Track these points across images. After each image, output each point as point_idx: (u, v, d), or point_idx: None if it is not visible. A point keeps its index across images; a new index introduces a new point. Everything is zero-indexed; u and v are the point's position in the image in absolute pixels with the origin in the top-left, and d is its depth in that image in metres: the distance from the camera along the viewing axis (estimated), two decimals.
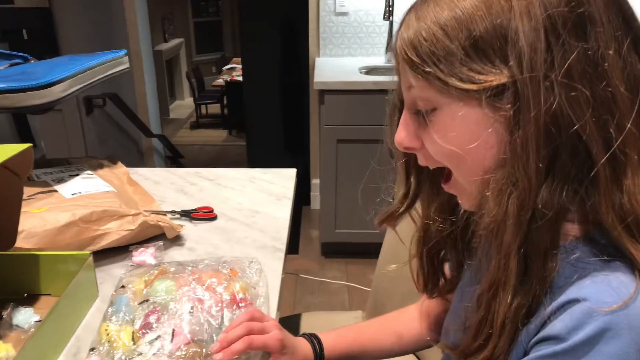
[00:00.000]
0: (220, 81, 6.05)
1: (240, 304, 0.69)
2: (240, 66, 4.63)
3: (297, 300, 2.23)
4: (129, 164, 1.25)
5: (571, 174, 0.45)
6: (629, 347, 0.42)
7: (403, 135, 0.54)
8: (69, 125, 2.23)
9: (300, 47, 2.73)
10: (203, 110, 6.25)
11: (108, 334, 0.66)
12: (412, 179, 0.63)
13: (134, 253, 0.88)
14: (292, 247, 2.61)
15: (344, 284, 2.34)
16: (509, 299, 0.47)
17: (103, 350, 0.64)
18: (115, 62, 1.16)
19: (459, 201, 0.57)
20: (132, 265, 0.84)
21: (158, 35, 6.22)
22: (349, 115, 2.17)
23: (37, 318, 0.71)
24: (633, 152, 0.44)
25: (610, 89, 0.44)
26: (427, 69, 0.48)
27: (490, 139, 0.47)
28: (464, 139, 0.49)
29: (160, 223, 0.93)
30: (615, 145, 0.44)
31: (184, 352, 0.63)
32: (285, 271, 0.91)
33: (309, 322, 1.18)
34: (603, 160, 0.44)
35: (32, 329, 0.68)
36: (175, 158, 3.54)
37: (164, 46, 6.37)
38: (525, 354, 0.48)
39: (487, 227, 0.48)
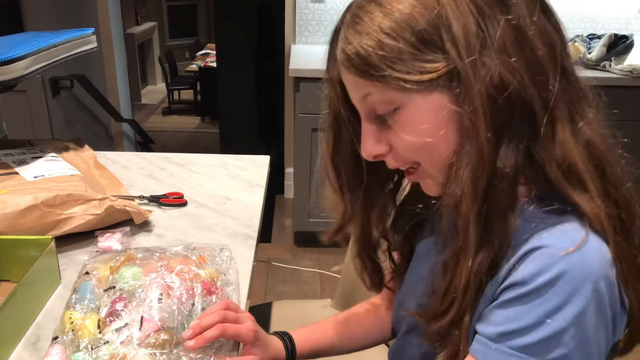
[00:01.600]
0: (193, 67, 5.94)
1: (210, 291, 0.68)
2: (215, 52, 4.55)
3: (268, 289, 2.22)
4: (98, 148, 1.21)
5: (522, 135, 0.50)
6: (584, 285, 0.47)
7: (369, 144, 0.57)
8: (33, 107, 2.14)
9: (276, 34, 2.69)
10: (176, 96, 6.13)
11: (72, 322, 0.63)
12: (348, 200, 0.67)
13: (99, 238, 0.85)
14: (265, 235, 2.59)
15: (316, 271, 2.34)
16: (472, 260, 0.51)
17: (67, 339, 0.62)
18: (82, 40, 1.11)
19: (424, 189, 0.60)
20: (97, 251, 0.81)
21: (130, 17, 6.05)
22: None
23: None
24: (562, 105, 0.50)
25: (538, 52, 0.49)
26: (384, 73, 0.50)
27: (451, 122, 0.51)
28: (432, 128, 0.52)
29: (127, 208, 0.90)
30: (552, 102, 0.49)
31: (153, 340, 0.61)
32: (258, 259, 0.89)
33: (280, 311, 1.17)
34: (545, 117, 0.49)
35: None
36: (145, 144, 3.47)
37: (136, 29, 6.21)
38: (493, 299, 0.52)
39: (449, 200, 0.52)
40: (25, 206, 0.82)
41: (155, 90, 6.73)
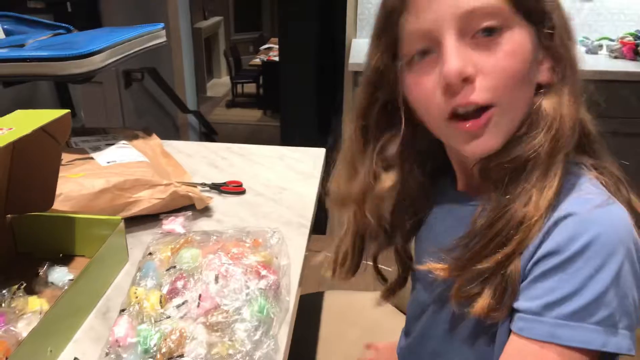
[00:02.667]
0: (257, 61, 6.07)
1: (262, 273, 0.71)
2: (277, 46, 4.63)
3: (322, 279, 2.25)
4: (165, 138, 1.28)
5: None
6: (617, 245, 0.49)
7: (459, 63, 0.52)
8: (108, 98, 2.29)
9: (337, 28, 2.70)
10: (239, 90, 6.30)
11: (137, 297, 0.69)
12: (368, 157, 0.67)
13: (163, 221, 0.91)
14: (321, 227, 2.62)
15: (370, 264, 2.35)
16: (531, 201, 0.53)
17: (133, 311, 0.67)
18: (153, 35, 1.18)
19: (484, 144, 0.56)
20: (160, 232, 0.87)
21: (198, 12, 6.27)
22: None
23: (70, 277, 0.75)
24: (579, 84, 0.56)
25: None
26: None
27: (540, 56, 0.56)
28: (528, 60, 0.54)
29: (190, 194, 0.95)
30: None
31: (210, 317, 0.65)
32: (312, 249, 0.92)
33: (330, 300, 1.19)
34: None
35: (66, 287, 0.71)
36: (209, 135, 3.59)
37: (203, 24, 6.42)
38: (524, 277, 0.53)
39: (535, 147, 0.54)
40: (99, 189, 0.88)
41: (220, 83, 6.94)
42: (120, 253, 0.81)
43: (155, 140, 1.23)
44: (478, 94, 0.53)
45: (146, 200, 0.92)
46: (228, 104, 6.12)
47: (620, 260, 0.49)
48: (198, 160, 1.23)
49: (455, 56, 0.52)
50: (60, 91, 1.24)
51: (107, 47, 1.01)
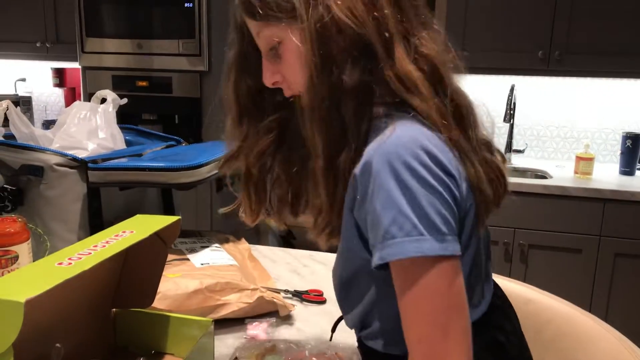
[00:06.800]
0: None
1: None
2: None
3: None
4: (247, 241, 1.36)
5: (360, 60, 0.62)
6: (396, 166, 0.57)
7: (266, 74, 0.70)
8: (200, 201, 2.46)
9: None
10: None
11: None
12: (245, 129, 0.76)
13: (248, 326, 0.94)
14: None
15: None
16: (322, 161, 0.65)
17: None
18: None
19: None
20: (245, 337, 0.90)
21: None
22: None
23: None
24: (395, 31, 0.63)
25: None
26: (262, 13, 0.65)
27: (299, 55, 0.65)
28: (299, 59, 0.65)
29: (275, 300, 0.99)
30: (386, 30, 0.62)
31: None
32: None
33: None
34: (380, 45, 0.62)
35: None
36: (288, 239, 3.69)
37: None
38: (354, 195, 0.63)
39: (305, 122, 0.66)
40: (193, 289, 0.95)
41: None
42: (207, 355, 0.84)
43: (244, 244, 1.30)
44: (290, 91, 0.72)
45: (234, 303, 0.97)
46: None
47: (403, 178, 0.57)
48: (282, 266, 1.28)
49: (265, 70, 0.71)
50: (165, 196, 1.38)
51: (212, 160, 1.13)
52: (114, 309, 0.87)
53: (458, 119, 0.64)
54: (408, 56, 0.63)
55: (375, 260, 0.60)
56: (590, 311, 0.92)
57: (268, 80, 0.71)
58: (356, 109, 0.63)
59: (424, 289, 0.58)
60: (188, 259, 1.11)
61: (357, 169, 0.61)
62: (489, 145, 0.69)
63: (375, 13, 0.62)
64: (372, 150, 0.59)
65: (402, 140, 0.58)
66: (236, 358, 0.80)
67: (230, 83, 0.75)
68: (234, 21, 0.73)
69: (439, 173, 0.58)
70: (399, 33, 0.63)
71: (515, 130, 2.62)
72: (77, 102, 1.26)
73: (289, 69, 0.68)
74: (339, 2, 0.61)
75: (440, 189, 0.58)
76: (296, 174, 0.78)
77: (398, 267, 0.59)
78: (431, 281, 0.58)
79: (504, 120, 2.50)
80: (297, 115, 0.69)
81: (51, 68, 3.05)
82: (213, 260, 1.11)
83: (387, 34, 0.62)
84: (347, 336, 0.95)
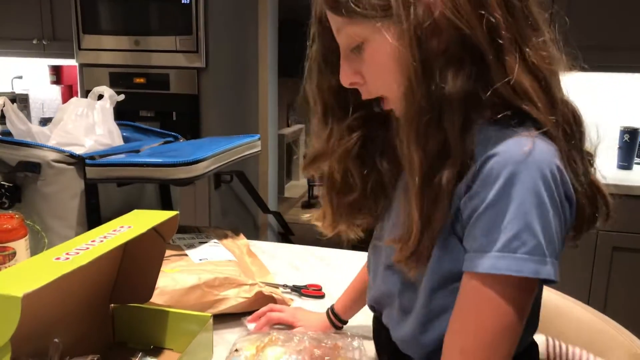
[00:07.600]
0: None
1: None
2: None
3: None
4: (246, 236, 1.36)
5: (467, 65, 0.56)
6: (536, 179, 0.53)
7: (345, 74, 0.64)
8: (198, 197, 2.47)
9: None
10: (315, 192, 6.52)
11: None
12: (330, 128, 0.71)
13: (247, 320, 0.94)
14: None
15: None
16: (420, 179, 0.57)
17: None
18: (250, 145, 1.30)
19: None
20: (246, 331, 0.90)
21: (282, 120, 6.74)
22: None
23: None
24: (507, 35, 0.56)
25: None
26: (349, 9, 0.58)
27: (395, 59, 0.57)
28: (389, 62, 0.58)
29: (273, 295, 0.99)
30: (496, 35, 0.55)
31: None
32: None
33: None
34: (491, 49, 0.55)
35: None
36: (286, 235, 3.69)
37: (286, 130, 6.87)
38: (458, 209, 0.58)
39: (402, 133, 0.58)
40: (191, 285, 0.95)
41: (298, 185, 7.22)
42: (206, 350, 0.84)
43: (242, 240, 1.30)
44: (369, 95, 0.65)
45: (233, 298, 0.97)
46: (304, 204, 6.31)
47: (540, 192, 0.53)
48: (281, 261, 1.28)
49: (342, 69, 0.65)
50: (163, 191, 1.38)
51: (210, 155, 1.13)
52: (112, 304, 0.87)
53: (569, 133, 0.59)
54: (519, 64, 0.56)
55: (485, 267, 0.54)
56: (588, 305, 0.92)
57: (346, 80, 0.64)
58: (460, 121, 0.56)
59: (498, 305, 0.55)
60: (186, 255, 1.11)
61: (487, 169, 0.55)
62: (591, 158, 0.64)
63: (482, 11, 0.55)
64: (508, 155, 0.54)
65: (544, 155, 0.54)
66: (236, 350, 0.80)
67: (314, 81, 0.70)
68: (314, 12, 0.67)
69: (562, 195, 0.55)
70: (509, 35, 0.56)
71: None
72: (74, 99, 1.26)
73: (373, 71, 0.61)
74: (444, 0, 0.54)
75: (561, 211, 0.55)
76: (379, 184, 0.73)
77: (488, 278, 0.55)
78: (510, 298, 0.54)
79: None
80: (393, 128, 0.64)
81: (48, 65, 3.05)
82: (211, 256, 1.11)
83: (496, 37, 0.55)
84: (346, 327, 0.96)
